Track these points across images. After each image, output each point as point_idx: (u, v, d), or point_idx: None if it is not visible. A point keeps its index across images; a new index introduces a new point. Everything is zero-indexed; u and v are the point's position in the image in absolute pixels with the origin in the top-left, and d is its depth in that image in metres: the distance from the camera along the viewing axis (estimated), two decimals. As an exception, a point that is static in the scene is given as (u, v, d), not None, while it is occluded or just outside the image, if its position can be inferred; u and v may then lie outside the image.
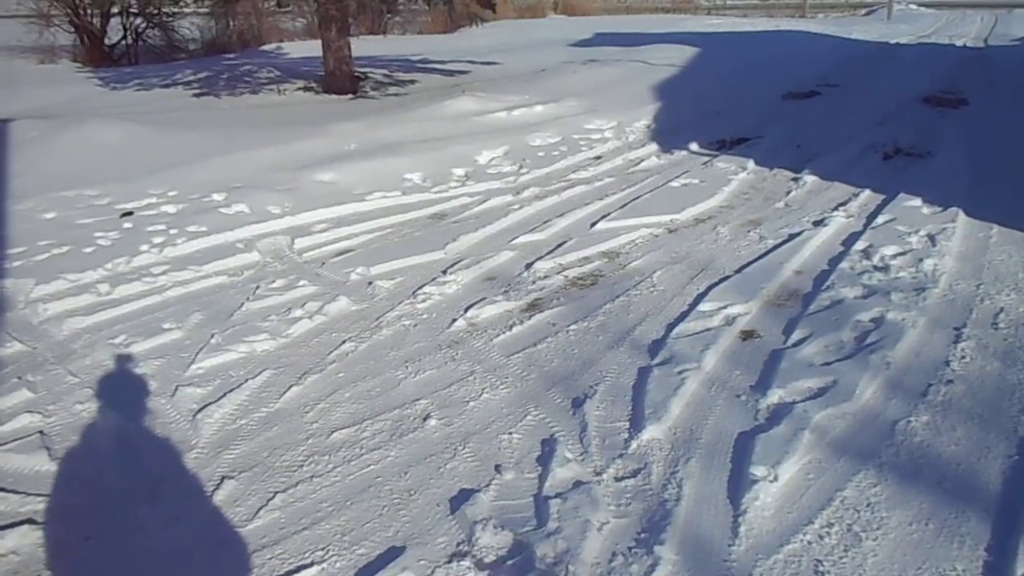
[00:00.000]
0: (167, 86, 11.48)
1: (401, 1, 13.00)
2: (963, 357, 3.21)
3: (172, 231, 5.02)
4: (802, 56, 13.88)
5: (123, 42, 15.93)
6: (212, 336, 3.66)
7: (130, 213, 5.35)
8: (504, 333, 3.66)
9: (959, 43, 18.33)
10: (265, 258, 4.75)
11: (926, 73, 11.85)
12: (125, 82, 11.96)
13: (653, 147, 7.65)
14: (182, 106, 9.74)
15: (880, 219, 5.00)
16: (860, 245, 4.55)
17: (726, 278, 4.19)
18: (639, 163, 7.08)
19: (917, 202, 5.31)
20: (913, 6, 43.55)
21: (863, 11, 39.75)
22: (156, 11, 14.54)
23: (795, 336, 3.46)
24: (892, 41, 18.34)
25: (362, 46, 13.94)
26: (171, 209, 5.45)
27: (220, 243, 4.93)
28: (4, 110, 8.55)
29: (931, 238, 4.61)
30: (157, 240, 4.87)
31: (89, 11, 15.40)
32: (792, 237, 4.80)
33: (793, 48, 15.46)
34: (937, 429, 2.71)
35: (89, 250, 4.72)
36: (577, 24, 25.15)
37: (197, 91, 10.79)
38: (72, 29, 15.74)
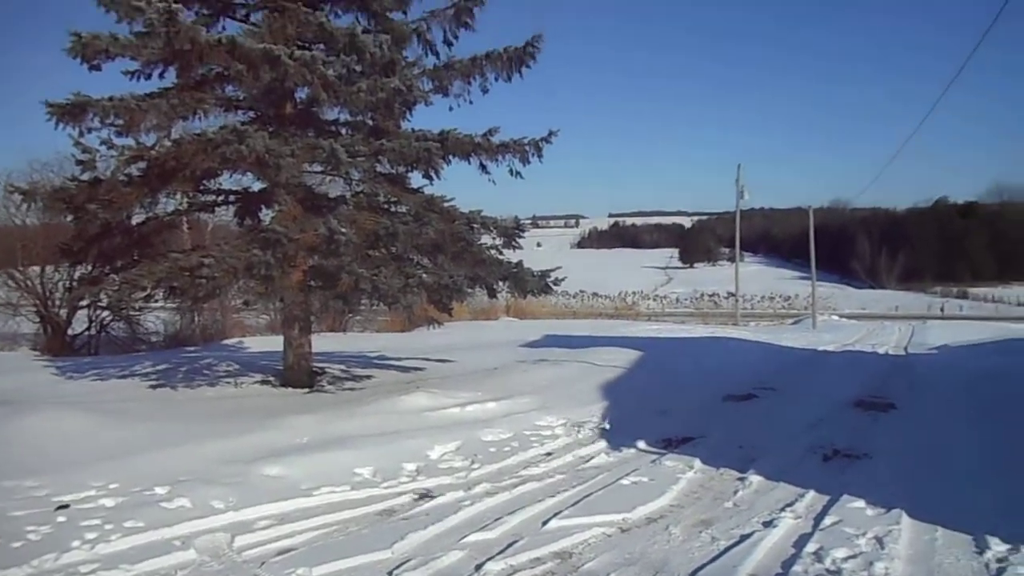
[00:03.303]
0: (124, 376, 11.58)
1: (362, 303, 13.80)
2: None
3: (107, 526, 4.79)
4: (738, 361, 14.82)
5: (86, 333, 16.32)
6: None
7: (66, 506, 5.13)
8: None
9: (881, 351, 19.85)
10: (202, 556, 4.52)
11: (854, 379, 12.69)
12: (82, 372, 12.06)
13: (602, 444, 7.81)
14: (136, 396, 9.78)
15: (827, 520, 5.07)
16: (811, 547, 4.56)
17: (681, 581, 4.10)
18: (589, 460, 7.18)
19: (861, 503, 5.43)
20: (835, 316, 47.59)
21: (791, 320, 43.14)
22: (125, 306, 15.14)
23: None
24: (820, 348, 19.78)
25: (322, 342, 14.48)
26: (109, 502, 5.25)
27: (156, 540, 4.70)
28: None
29: (879, 540, 4.65)
30: (90, 536, 4.63)
31: (58, 303, 15.97)
32: (744, 538, 4.79)
33: (729, 353, 16.54)
34: None
35: (17, 544, 4.45)
36: (528, 326, 26.69)
37: (154, 382, 10.89)
38: (37, 319, 16.16)
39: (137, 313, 16.51)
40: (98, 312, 16.25)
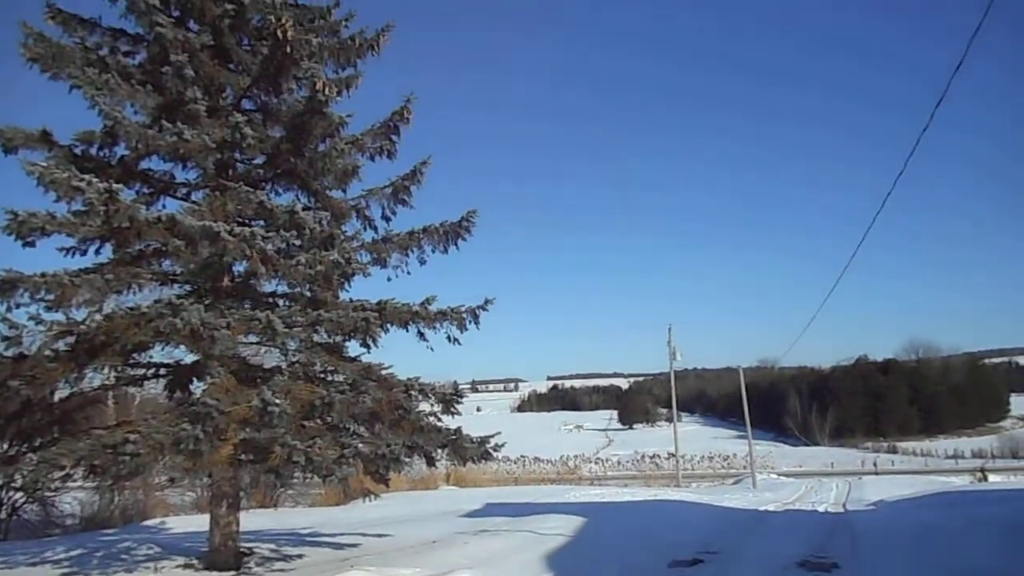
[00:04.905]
0: (34, 564, 10.67)
1: (295, 476, 13.31)
2: None
3: None
4: (682, 524, 14.63)
5: (-5, 515, 15.13)
6: None
7: None
8: None
9: (821, 508, 19.92)
10: None
11: (797, 538, 12.63)
12: (-17, 562, 11.05)
13: (548, 620, 7.48)
14: (42, 589, 8.97)
15: None
16: None
17: None
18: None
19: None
20: (774, 475, 47.81)
21: (731, 480, 43.08)
22: (41, 487, 14.20)
23: None
24: (762, 508, 19.74)
25: (252, 519, 13.76)
26: None
27: None
28: None
29: None
30: None
31: (-34, 485, 14.87)
32: None
33: (673, 516, 16.34)
34: None
35: None
36: (469, 495, 25.93)
37: (66, 570, 10.06)
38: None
39: (53, 494, 15.47)
40: (10, 494, 15.16)
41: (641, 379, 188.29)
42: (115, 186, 8.28)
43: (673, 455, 48.98)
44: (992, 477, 35.17)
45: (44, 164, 8.83)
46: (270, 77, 10.18)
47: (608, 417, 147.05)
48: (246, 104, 10.80)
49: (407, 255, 10.72)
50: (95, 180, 8.34)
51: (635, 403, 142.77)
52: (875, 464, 65.14)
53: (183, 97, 9.42)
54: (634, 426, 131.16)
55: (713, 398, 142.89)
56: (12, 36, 9.63)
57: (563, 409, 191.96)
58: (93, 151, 10.10)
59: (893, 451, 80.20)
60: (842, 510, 19.60)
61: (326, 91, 9.35)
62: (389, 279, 10.75)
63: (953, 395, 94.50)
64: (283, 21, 9.26)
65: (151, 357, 10.43)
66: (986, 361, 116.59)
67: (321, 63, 10.33)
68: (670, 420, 68.37)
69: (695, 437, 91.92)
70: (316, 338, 10.00)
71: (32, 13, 9.94)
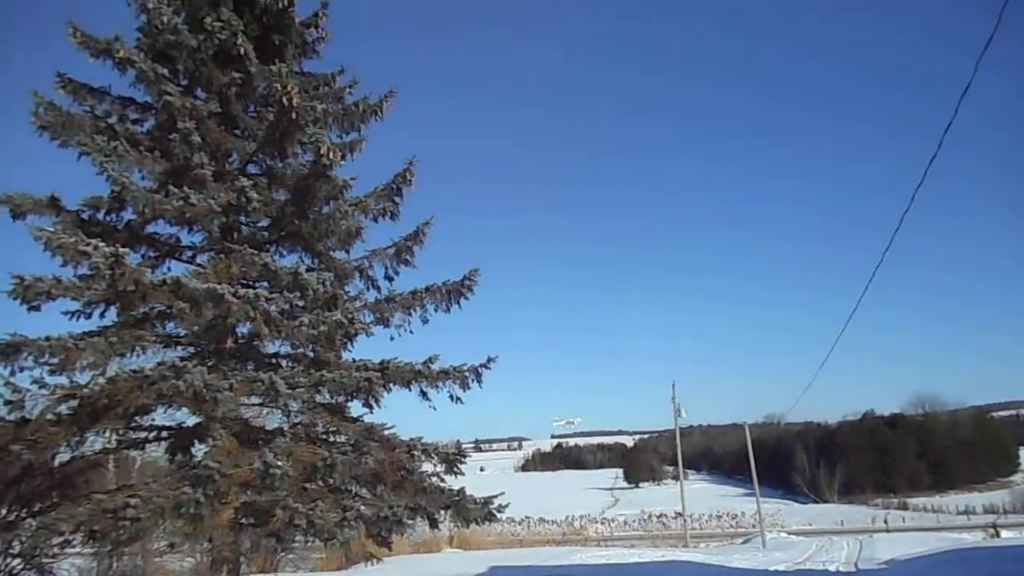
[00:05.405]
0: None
1: (296, 540, 13.10)
2: None
3: None
4: (691, 586, 14.28)
5: (-13, 586, 14.78)
6: None
7: None
8: None
9: (832, 568, 19.47)
10: None
11: (808, 600, 12.32)
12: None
13: None
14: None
15: None
16: None
17: None
18: None
19: None
20: (784, 534, 46.85)
21: (740, 540, 42.20)
22: (39, 553, 13.92)
23: None
24: (772, 568, 19.28)
25: (250, 586, 13.44)
26: None
27: None
28: None
29: None
30: None
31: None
32: None
33: (681, 578, 15.96)
34: None
35: None
36: (472, 558, 25.30)
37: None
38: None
39: (51, 560, 15.15)
40: (8, 560, 14.86)
41: (646, 436, 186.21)
42: (121, 250, 8.42)
43: (680, 514, 48.10)
44: (1005, 533, 34.41)
45: (52, 229, 9.01)
46: (276, 142, 10.42)
47: (614, 476, 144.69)
48: (252, 168, 11.03)
49: (410, 314, 10.80)
50: (102, 244, 8.48)
51: (640, 461, 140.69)
52: (886, 521, 63.91)
53: (190, 162, 9.64)
54: (640, 484, 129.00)
55: (719, 455, 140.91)
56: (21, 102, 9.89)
57: (568, 468, 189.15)
58: (100, 216, 10.28)
59: (904, 507, 78.76)
60: (854, 569, 19.13)
61: (330, 155, 9.57)
62: (392, 338, 10.81)
63: (962, 449, 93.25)
64: (289, 89, 9.53)
65: (153, 420, 10.39)
66: (993, 414, 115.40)
67: (326, 128, 10.60)
68: (676, 478, 67.33)
69: (702, 495, 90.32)
70: (318, 398, 10.00)
71: (43, 82, 10.23)
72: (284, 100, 9.53)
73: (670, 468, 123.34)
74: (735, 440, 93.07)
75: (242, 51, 10.24)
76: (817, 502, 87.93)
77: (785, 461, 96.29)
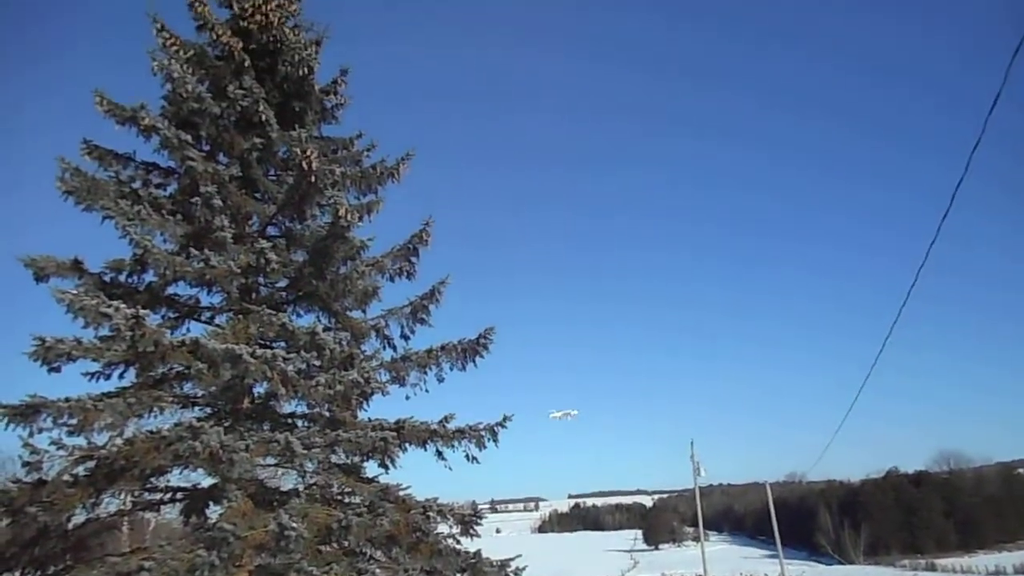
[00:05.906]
0: None
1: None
2: None
3: None
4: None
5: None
6: None
7: None
8: None
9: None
10: None
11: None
12: None
13: None
14: None
15: None
16: None
17: None
18: None
19: None
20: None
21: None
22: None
23: None
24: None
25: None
26: None
27: None
28: None
29: None
30: None
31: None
32: None
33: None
34: None
35: None
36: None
37: None
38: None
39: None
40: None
41: (665, 496, 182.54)
42: (142, 312, 8.53)
43: (702, 577, 46.71)
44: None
45: (74, 292, 9.17)
46: (295, 205, 10.63)
47: (632, 537, 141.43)
48: (271, 230, 11.22)
49: (425, 373, 10.81)
50: (122, 306, 8.61)
51: (660, 521, 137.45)
52: (916, 584, 61.78)
53: (211, 225, 9.84)
54: (660, 546, 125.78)
55: (740, 514, 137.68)
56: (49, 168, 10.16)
57: (586, 529, 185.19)
58: (122, 278, 10.46)
59: (932, 568, 76.13)
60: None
61: (348, 217, 9.73)
62: (408, 397, 10.80)
63: (989, 507, 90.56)
64: (308, 153, 9.77)
65: (168, 481, 10.38)
66: (1020, 470, 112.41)
67: (344, 190, 10.84)
68: (697, 539, 65.67)
69: (724, 557, 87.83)
70: (334, 459, 9.96)
71: (70, 148, 10.53)
72: (304, 164, 9.75)
73: (690, 529, 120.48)
74: (756, 499, 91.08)
75: (263, 117, 10.55)
76: (842, 563, 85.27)
77: (808, 521, 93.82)
